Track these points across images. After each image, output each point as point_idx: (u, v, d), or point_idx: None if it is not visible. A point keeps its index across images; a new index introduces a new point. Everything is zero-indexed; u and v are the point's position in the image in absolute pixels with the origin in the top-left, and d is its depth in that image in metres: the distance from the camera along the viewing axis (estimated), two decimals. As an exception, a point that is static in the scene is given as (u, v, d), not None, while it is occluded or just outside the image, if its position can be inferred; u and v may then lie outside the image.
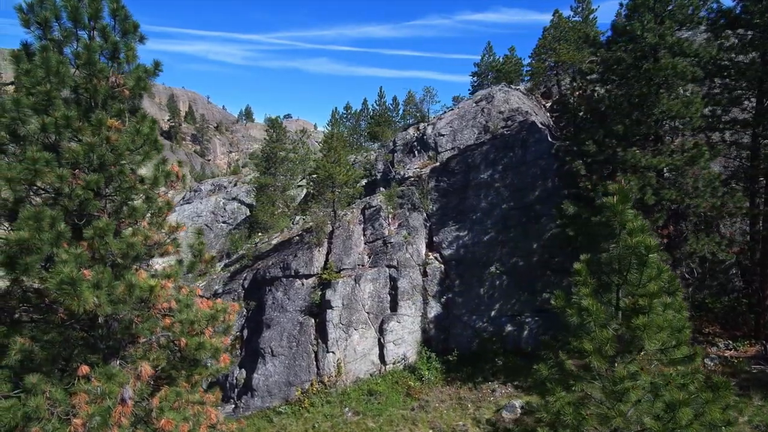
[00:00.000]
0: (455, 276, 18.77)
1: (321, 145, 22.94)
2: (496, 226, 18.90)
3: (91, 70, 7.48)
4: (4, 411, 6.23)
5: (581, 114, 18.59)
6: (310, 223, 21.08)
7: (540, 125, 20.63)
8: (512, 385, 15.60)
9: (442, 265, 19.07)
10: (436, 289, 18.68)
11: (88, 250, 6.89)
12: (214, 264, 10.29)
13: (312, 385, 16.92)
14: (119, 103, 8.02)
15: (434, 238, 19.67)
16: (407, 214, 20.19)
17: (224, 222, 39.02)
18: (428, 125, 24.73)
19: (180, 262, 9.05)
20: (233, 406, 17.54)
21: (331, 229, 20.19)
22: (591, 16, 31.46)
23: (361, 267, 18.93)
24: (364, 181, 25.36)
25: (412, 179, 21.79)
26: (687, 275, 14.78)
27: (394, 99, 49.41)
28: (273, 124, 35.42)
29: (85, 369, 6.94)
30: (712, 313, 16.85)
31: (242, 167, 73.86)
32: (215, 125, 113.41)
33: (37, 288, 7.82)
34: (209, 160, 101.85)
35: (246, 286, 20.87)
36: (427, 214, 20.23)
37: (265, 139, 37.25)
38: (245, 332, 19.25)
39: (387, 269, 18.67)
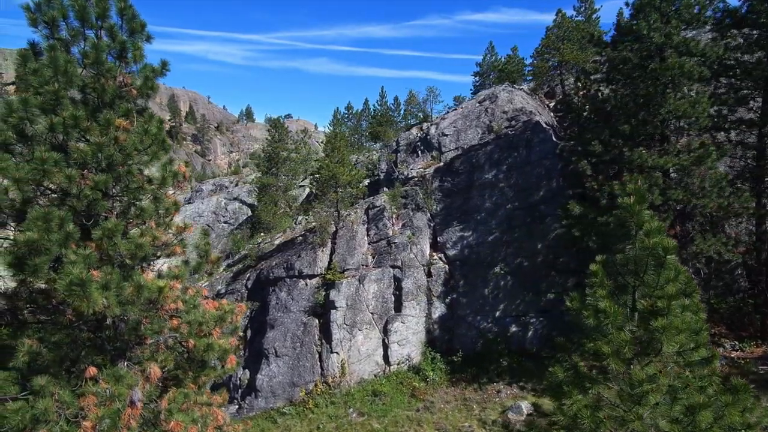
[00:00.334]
0: (460, 276, 18.71)
1: (323, 145, 22.87)
2: (500, 227, 18.84)
3: (99, 69, 7.43)
4: (13, 413, 6.18)
5: (585, 114, 18.51)
6: (313, 224, 21.03)
7: (544, 125, 20.57)
8: (517, 385, 15.54)
9: (447, 266, 19.01)
10: (441, 289, 18.62)
11: (96, 251, 6.84)
12: (219, 265, 10.26)
13: (316, 385, 16.87)
14: (126, 103, 7.97)
15: (438, 239, 19.61)
16: (411, 214, 20.14)
17: (225, 222, 38.95)
18: (431, 125, 24.67)
19: (186, 262, 8.99)
20: (237, 406, 17.48)
21: (334, 229, 20.13)
22: (594, 16, 31.42)
23: (365, 267, 18.88)
24: (366, 181, 25.30)
25: (416, 179, 21.73)
26: (693, 276, 14.72)
27: (396, 99, 49.35)
28: (275, 124, 35.37)
29: (92, 371, 6.88)
30: (717, 313, 16.77)
31: (243, 167, 73.82)
32: (216, 125, 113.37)
33: (43, 289, 7.77)
34: (210, 160, 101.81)
35: (249, 286, 20.82)
36: (431, 215, 20.18)
37: (267, 139, 37.18)
38: (248, 333, 19.19)
39: (391, 269, 18.62)
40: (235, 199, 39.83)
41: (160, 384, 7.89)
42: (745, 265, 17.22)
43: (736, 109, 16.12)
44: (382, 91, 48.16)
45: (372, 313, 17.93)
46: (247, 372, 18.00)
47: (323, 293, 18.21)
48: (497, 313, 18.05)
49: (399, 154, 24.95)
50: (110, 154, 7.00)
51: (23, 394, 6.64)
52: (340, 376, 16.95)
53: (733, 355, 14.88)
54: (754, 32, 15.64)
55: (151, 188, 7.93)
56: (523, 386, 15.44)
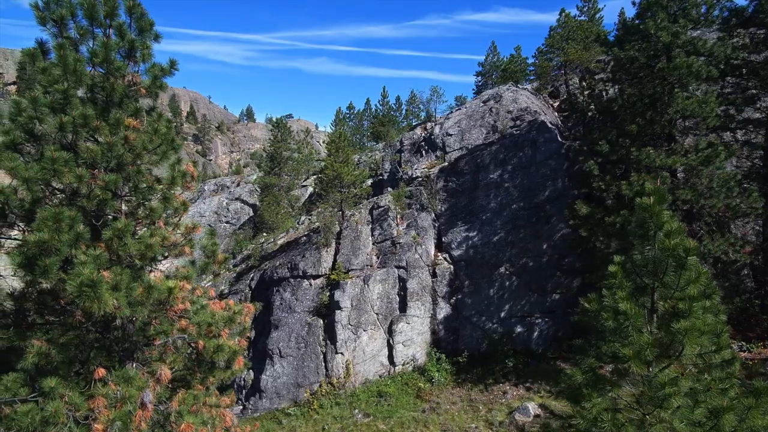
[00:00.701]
0: (465, 277, 18.64)
1: (325, 145, 22.80)
2: (505, 227, 18.77)
3: (108, 68, 7.37)
4: (23, 415, 6.12)
5: (591, 113, 18.44)
6: (317, 224, 20.96)
7: (549, 125, 20.50)
8: (524, 386, 15.47)
9: (452, 266, 18.94)
10: (446, 289, 18.55)
11: (105, 252, 6.77)
12: (227, 265, 10.19)
13: (321, 386, 16.81)
14: (135, 102, 7.91)
15: (443, 239, 19.54)
16: (416, 214, 20.07)
17: (227, 222, 38.90)
18: (436, 125, 24.60)
19: (192, 263, 8.93)
20: (241, 407, 17.42)
21: (338, 229, 20.07)
22: (597, 16, 31.33)
23: (369, 267, 18.81)
24: (369, 181, 25.24)
25: (420, 179, 21.66)
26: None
27: (397, 99, 49.24)
28: (278, 124, 35.32)
29: (101, 372, 6.82)
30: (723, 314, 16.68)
31: (244, 167, 73.80)
32: (217, 125, 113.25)
33: (51, 289, 7.70)
34: (211, 160, 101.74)
35: (253, 286, 20.76)
36: (435, 215, 20.11)
37: (269, 139, 37.14)
38: (252, 333, 19.12)
39: (396, 270, 18.55)
40: (237, 199, 39.78)
41: (169, 386, 7.83)
42: (751, 266, 17.13)
43: (743, 108, 16.05)
44: (383, 90, 48.05)
45: (377, 314, 17.87)
46: (251, 372, 17.93)
47: (328, 293, 18.14)
48: (502, 314, 17.98)
49: (403, 153, 24.88)
50: (120, 153, 6.93)
51: (32, 396, 6.58)
52: (344, 377, 16.88)
53: (740, 357, 14.79)
54: (761, 32, 15.57)
55: (160, 188, 7.86)
56: (529, 387, 15.37)
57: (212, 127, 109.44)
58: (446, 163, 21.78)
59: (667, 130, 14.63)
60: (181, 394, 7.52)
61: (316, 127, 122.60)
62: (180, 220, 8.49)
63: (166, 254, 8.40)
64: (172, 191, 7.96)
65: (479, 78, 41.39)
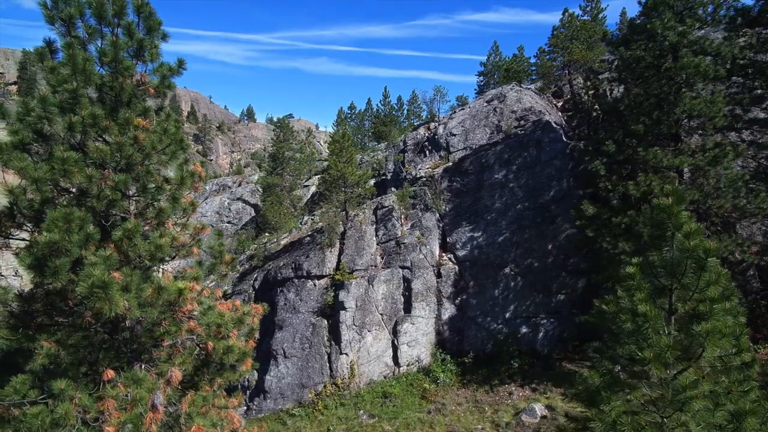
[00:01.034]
0: (469, 277, 18.58)
1: (328, 145, 22.73)
2: (510, 227, 18.71)
3: (116, 68, 7.30)
4: (32, 417, 6.06)
5: (595, 113, 18.38)
6: (320, 224, 20.90)
7: (554, 125, 20.44)
8: (529, 387, 15.41)
9: (456, 266, 18.88)
10: (450, 290, 18.49)
11: (115, 252, 6.71)
12: (234, 266, 10.14)
13: (325, 387, 16.75)
14: (143, 102, 7.86)
15: (448, 239, 19.48)
16: (420, 214, 20.01)
17: (229, 222, 38.85)
18: (439, 125, 24.54)
19: (199, 263, 8.88)
20: (245, 408, 17.37)
21: (342, 229, 20.01)
22: (600, 15, 31.26)
23: (374, 268, 18.76)
24: (372, 181, 25.19)
25: (424, 179, 21.60)
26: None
27: (399, 99, 49.15)
28: (280, 125, 35.27)
29: (110, 373, 6.75)
30: (730, 314, 16.63)
31: (245, 167, 73.73)
32: (217, 125, 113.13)
33: (59, 290, 7.65)
34: (212, 160, 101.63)
35: (257, 286, 20.69)
36: (440, 215, 20.05)
37: (270, 139, 37.11)
38: (256, 333, 19.03)
39: (400, 270, 18.50)
40: (239, 199, 39.73)
41: (178, 387, 7.78)
42: (757, 266, 17.07)
43: (750, 108, 15.99)
44: (385, 90, 47.94)
45: (381, 314, 17.81)
46: (256, 373, 17.84)
47: (332, 294, 18.09)
48: (507, 314, 17.93)
49: (406, 153, 24.82)
50: (129, 153, 6.87)
51: (41, 397, 6.52)
52: (349, 378, 16.83)
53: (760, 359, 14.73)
54: (766, 31, 15.51)
55: (169, 188, 7.81)
56: (535, 388, 15.31)
57: (213, 127, 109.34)
58: (450, 163, 21.72)
59: (674, 130, 14.57)
60: (191, 395, 7.45)
61: (317, 127, 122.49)
62: (188, 220, 8.45)
63: (174, 255, 8.37)
64: (181, 191, 7.91)
65: (481, 78, 41.34)
